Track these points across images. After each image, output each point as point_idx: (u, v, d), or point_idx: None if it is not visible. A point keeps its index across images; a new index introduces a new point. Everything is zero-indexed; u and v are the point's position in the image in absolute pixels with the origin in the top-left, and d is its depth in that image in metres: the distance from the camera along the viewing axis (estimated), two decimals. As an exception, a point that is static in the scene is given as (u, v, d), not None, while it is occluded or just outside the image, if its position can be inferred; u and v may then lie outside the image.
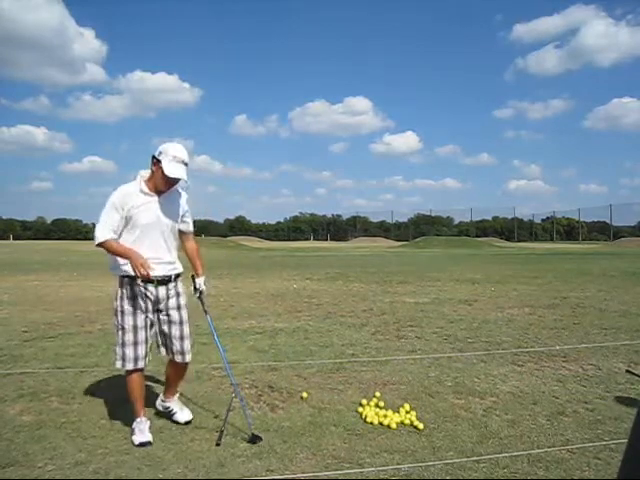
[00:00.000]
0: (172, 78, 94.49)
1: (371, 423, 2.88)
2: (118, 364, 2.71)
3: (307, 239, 60.57)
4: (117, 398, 3.24)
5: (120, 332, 2.67)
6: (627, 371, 3.86)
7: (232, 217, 73.53)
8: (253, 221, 73.98)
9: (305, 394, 3.33)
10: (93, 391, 3.42)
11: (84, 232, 70.28)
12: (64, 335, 5.21)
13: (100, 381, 3.65)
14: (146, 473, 2.32)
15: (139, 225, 2.65)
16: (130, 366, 2.67)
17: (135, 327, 2.67)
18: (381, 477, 2.30)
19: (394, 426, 2.82)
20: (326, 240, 59.21)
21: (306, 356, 4.36)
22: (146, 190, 2.68)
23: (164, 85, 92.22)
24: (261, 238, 55.05)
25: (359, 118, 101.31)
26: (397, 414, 2.94)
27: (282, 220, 74.16)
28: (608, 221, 52.59)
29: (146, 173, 2.71)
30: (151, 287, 2.67)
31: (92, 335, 5.22)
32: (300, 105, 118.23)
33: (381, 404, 3.09)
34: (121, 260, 2.63)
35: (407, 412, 2.95)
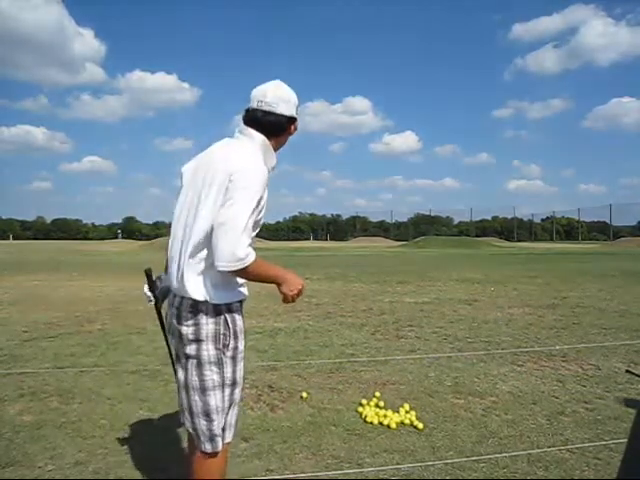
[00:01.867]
0: (171, 78, 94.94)
1: (371, 423, 2.88)
2: (212, 446, 1.68)
3: (307, 239, 60.56)
4: (117, 398, 3.25)
5: (228, 389, 1.69)
6: (627, 371, 3.86)
7: (232, 217, 73.35)
8: (253, 221, 73.91)
9: (305, 394, 3.33)
10: (93, 391, 3.41)
11: (84, 232, 70.37)
12: (64, 335, 5.20)
13: (100, 381, 3.64)
14: (146, 473, 2.33)
15: (260, 224, 1.72)
16: (229, 438, 1.74)
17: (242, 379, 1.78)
18: (381, 477, 2.30)
19: (394, 426, 2.82)
20: (326, 240, 59.21)
21: (306, 356, 4.36)
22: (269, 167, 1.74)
23: (163, 85, 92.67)
24: (260, 238, 54.88)
25: (358, 118, 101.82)
26: (397, 414, 2.94)
27: (282, 220, 74.30)
28: (608, 221, 52.69)
29: (258, 136, 1.73)
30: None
31: (92, 335, 5.22)
32: (299, 105, 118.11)
33: (381, 404, 3.09)
34: (239, 280, 1.69)
35: (407, 412, 2.95)
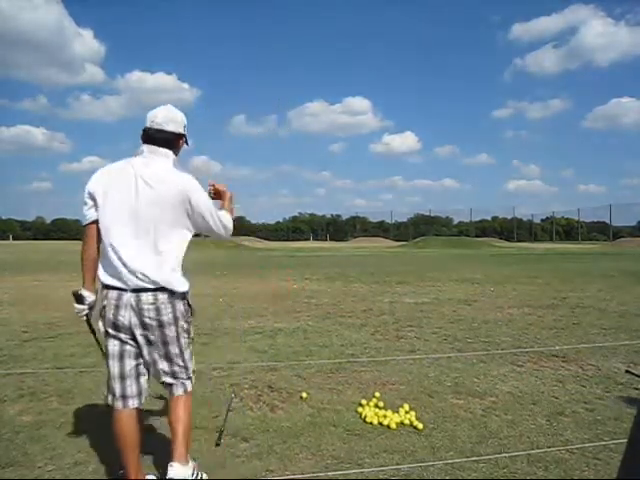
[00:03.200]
0: (170, 78, 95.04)
1: (371, 423, 2.88)
2: (190, 384, 2.23)
3: (307, 239, 60.54)
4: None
5: (192, 345, 2.25)
6: (627, 371, 3.86)
7: (231, 217, 73.28)
8: (252, 221, 74.07)
9: (305, 394, 3.33)
10: (93, 391, 3.42)
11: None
12: (64, 335, 5.20)
13: (100, 381, 3.64)
14: (146, 473, 2.32)
15: None
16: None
17: None
18: (381, 477, 2.30)
19: (394, 426, 2.82)
20: (325, 240, 59.20)
21: (305, 356, 4.36)
22: None
23: (162, 85, 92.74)
24: (260, 238, 54.96)
25: (358, 118, 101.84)
26: (397, 414, 2.94)
27: (281, 220, 74.34)
28: (608, 221, 52.58)
29: (167, 152, 2.13)
30: None
31: (91, 335, 5.20)
32: (299, 105, 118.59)
33: (381, 404, 3.09)
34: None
35: (407, 412, 2.95)
